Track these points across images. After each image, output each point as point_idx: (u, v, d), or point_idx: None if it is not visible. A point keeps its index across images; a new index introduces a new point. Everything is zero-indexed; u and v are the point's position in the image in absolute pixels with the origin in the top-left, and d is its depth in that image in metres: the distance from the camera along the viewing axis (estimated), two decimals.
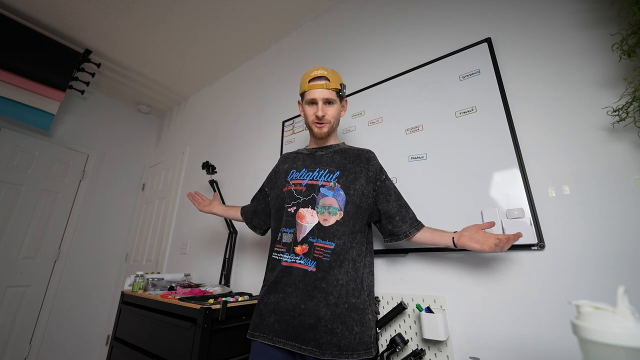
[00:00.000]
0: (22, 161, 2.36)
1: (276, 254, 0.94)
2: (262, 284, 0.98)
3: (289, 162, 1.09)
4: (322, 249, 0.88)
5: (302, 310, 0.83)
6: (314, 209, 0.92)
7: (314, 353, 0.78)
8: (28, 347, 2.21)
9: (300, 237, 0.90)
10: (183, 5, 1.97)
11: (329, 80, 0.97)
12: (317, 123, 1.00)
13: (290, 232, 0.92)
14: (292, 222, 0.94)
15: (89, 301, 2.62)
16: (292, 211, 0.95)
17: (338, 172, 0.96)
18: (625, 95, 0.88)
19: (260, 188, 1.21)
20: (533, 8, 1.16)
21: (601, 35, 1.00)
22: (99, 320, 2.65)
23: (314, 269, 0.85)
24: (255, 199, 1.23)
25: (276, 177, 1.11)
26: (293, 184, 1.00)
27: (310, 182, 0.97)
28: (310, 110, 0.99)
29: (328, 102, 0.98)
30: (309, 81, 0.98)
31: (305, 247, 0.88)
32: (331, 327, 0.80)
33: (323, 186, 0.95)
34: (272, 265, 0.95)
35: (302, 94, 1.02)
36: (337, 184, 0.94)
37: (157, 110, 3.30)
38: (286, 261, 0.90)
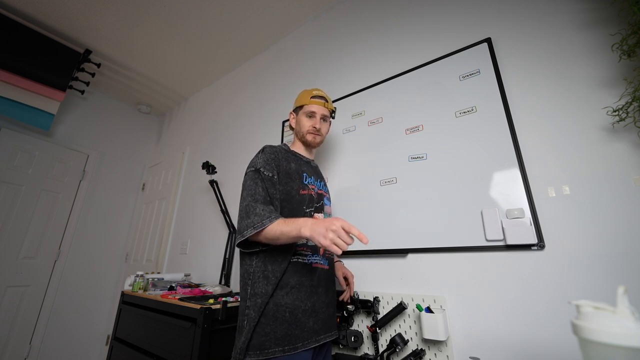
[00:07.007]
0: (22, 161, 2.36)
1: (301, 257, 0.91)
2: (272, 287, 0.84)
3: (292, 161, 1.02)
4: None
5: (327, 303, 0.94)
6: (322, 215, 1.03)
7: (334, 333, 0.97)
8: (28, 347, 2.21)
9: None
10: (183, 5, 1.97)
11: (327, 101, 1.12)
12: (313, 133, 1.09)
13: None
14: None
15: (89, 301, 2.62)
16: (311, 215, 0.99)
17: (327, 186, 1.15)
18: (625, 95, 0.88)
19: (268, 176, 0.94)
20: (533, 8, 1.16)
21: (601, 35, 1.00)
22: (99, 320, 2.65)
23: (328, 267, 1.00)
24: (267, 187, 0.93)
25: (286, 174, 0.98)
26: (311, 188, 1.03)
27: (319, 191, 1.07)
28: (307, 122, 1.09)
29: (323, 118, 1.11)
30: (311, 97, 1.10)
31: (322, 248, 0.97)
32: (334, 308, 1.01)
33: (324, 196, 1.10)
34: (297, 269, 0.89)
35: (300, 107, 1.12)
36: (329, 195, 1.13)
37: (157, 110, 3.30)
38: (317, 263, 0.94)
